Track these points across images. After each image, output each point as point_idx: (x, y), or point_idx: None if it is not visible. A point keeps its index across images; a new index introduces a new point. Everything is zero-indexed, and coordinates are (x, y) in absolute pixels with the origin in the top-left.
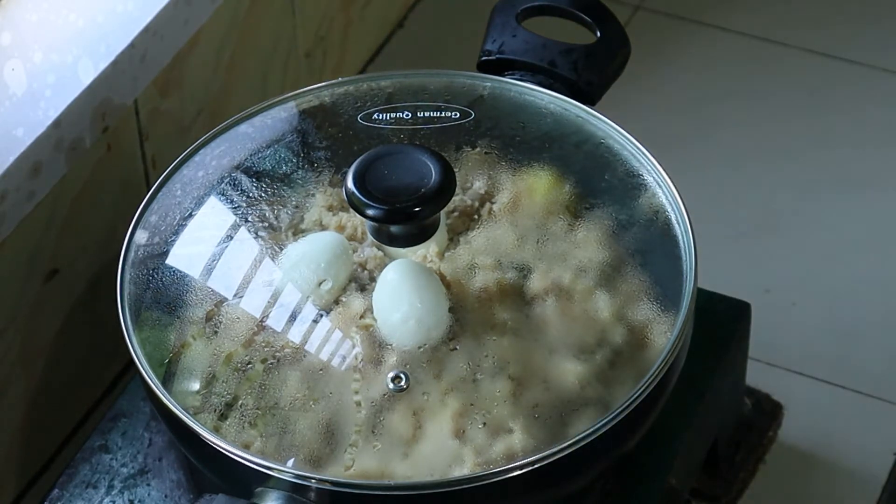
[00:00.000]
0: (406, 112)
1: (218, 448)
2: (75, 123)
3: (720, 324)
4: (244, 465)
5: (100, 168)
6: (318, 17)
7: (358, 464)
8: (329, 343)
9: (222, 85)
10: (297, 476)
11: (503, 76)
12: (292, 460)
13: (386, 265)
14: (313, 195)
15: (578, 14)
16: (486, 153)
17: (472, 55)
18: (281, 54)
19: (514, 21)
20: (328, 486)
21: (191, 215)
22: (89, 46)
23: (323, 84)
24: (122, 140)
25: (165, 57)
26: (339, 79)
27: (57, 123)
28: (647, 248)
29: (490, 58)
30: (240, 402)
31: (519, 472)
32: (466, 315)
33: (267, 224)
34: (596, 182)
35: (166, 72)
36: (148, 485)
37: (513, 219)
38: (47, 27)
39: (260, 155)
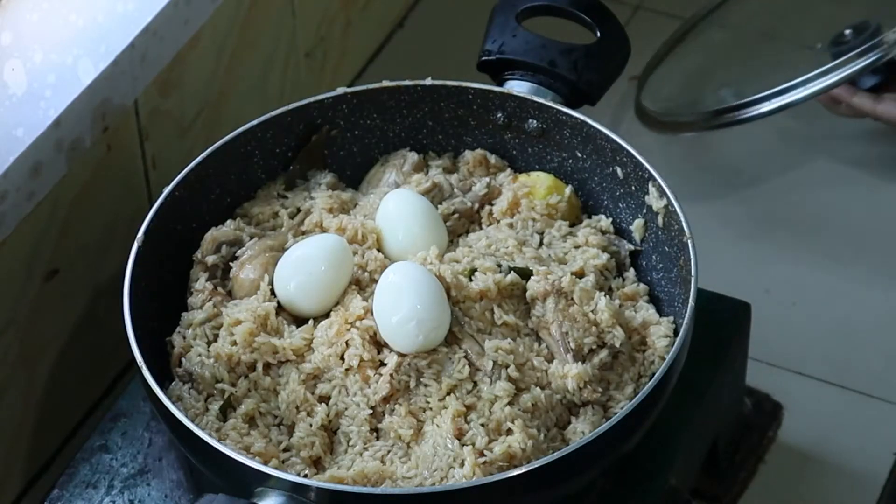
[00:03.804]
0: None
1: (218, 449)
2: (75, 123)
3: (720, 324)
4: (244, 465)
5: (100, 168)
6: (318, 17)
7: (358, 464)
8: (329, 344)
9: (222, 85)
10: (297, 476)
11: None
12: (292, 460)
13: (387, 267)
14: (314, 198)
15: (578, 14)
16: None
17: (472, 55)
18: (281, 54)
19: (514, 21)
20: (328, 487)
21: (195, 216)
22: (89, 46)
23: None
24: (122, 140)
25: (165, 57)
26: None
27: (57, 123)
28: (647, 249)
29: (490, 58)
30: (240, 402)
31: (519, 473)
32: (466, 316)
33: (270, 225)
34: (596, 183)
35: (166, 72)
36: (148, 485)
37: (513, 221)
38: (47, 27)
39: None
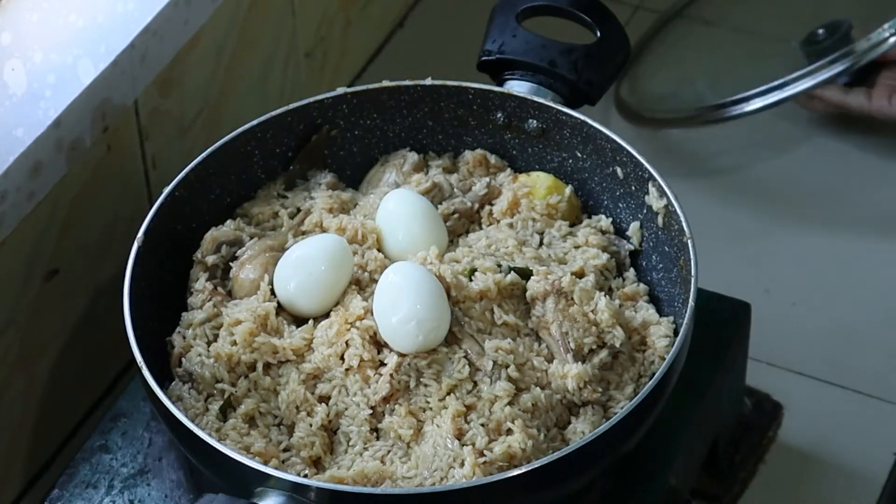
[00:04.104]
0: None
1: (218, 449)
2: (75, 123)
3: (720, 324)
4: (244, 465)
5: (100, 168)
6: (318, 17)
7: (358, 464)
8: (329, 344)
9: (222, 85)
10: (297, 476)
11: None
12: (292, 460)
13: (387, 267)
14: (314, 198)
15: (578, 14)
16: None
17: (472, 55)
18: (281, 54)
19: (514, 21)
20: (328, 487)
21: (195, 216)
22: (89, 46)
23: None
24: (122, 140)
25: (165, 57)
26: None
27: (57, 123)
28: (647, 249)
29: (490, 58)
30: (240, 402)
31: (519, 473)
32: (466, 316)
33: (270, 225)
34: (596, 183)
35: (166, 72)
36: (148, 485)
37: (513, 221)
38: (47, 27)
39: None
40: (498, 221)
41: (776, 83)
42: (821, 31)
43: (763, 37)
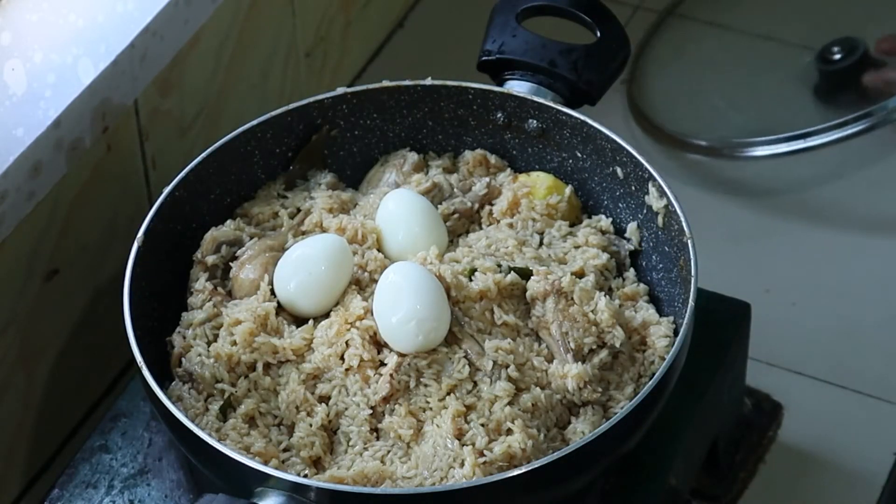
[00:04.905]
0: None
1: (218, 449)
2: (75, 123)
3: (720, 324)
4: (244, 465)
5: (100, 168)
6: (318, 17)
7: (358, 464)
8: (329, 344)
9: (222, 85)
10: (297, 476)
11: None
12: (292, 460)
13: (387, 267)
14: (314, 198)
15: (578, 14)
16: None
17: (472, 55)
18: (281, 54)
19: (514, 21)
20: (328, 487)
21: (195, 216)
22: (89, 46)
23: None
24: (122, 140)
25: (165, 57)
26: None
27: (57, 123)
28: (647, 249)
29: (490, 58)
30: (240, 402)
31: (519, 473)
32: (466, 316)
33: (270, 225)
34: (596, 183)
35: (166, 72)
36: (148, 485)
37: (513, 221)
38: (47, 27)
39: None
40: (498, 221)
41: (796, 133)
42: (836, 48)
43: (775, 41)
